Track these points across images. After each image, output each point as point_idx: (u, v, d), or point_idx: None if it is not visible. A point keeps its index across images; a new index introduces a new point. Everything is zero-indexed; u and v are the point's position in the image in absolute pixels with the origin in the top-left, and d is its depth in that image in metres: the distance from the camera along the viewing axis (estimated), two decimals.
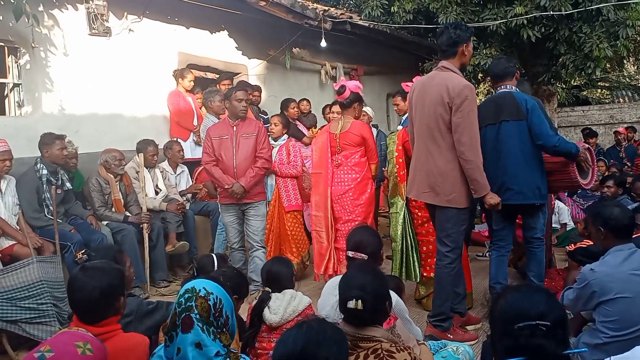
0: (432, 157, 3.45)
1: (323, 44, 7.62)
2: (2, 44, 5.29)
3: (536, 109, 3.71)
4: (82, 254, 3.99)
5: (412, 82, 4.31)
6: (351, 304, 2.03)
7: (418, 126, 3.55)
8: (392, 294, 2.37)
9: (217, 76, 7.39)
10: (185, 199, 6.06)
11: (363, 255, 2.95)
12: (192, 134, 6.53)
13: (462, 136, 3.31)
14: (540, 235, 3.87)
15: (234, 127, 4.74)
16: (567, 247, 5.04)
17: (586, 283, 2.77)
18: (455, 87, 3.33)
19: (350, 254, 3.01)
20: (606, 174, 7.62)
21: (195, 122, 6.56)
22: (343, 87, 4.61)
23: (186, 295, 1.86)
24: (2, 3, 4.88)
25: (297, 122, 7.20)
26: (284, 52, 7.94)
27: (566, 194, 7.86)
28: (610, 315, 2.69)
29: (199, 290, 1.88)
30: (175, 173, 6.13)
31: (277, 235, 5.34)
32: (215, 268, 3.48)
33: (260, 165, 4.73)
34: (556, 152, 3.70)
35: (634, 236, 2.97)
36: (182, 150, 6.12)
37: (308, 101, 7.91)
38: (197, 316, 1.82)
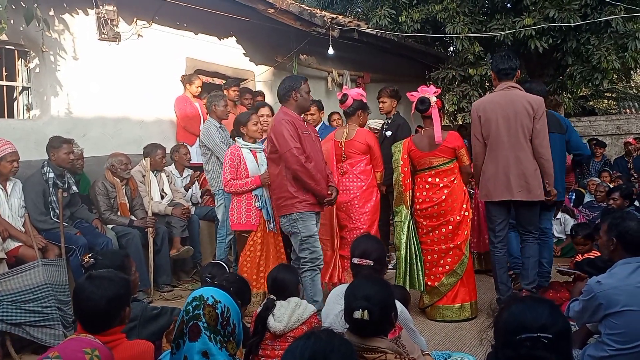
0: (521, 161, 4.08)
1: (330, 51, 7.64)
2: (13, 47, 5.33)
3: (571, 126, 4.86)
4: (89, 257, 4.00)
5: (418, 91, 4.34)
6: (357, 314, 2.03)
7: (502, 136, 4.10)
8: (397, 303, 2.37)
9: (225, 82, 7.41)
10: (191, 202, 6.08)
11: (369, 261, 2.95)
12: (198, 138, 6.55)
13: (543, 140, 4.07)
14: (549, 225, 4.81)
15: (305, 123, 4.21)
16: (573, 258, 5.03)
17: (592, 295, 2.75)
18: (535, 100, 4.09)
19: (355, 260, 3.00)
20: (612, 185, 7.59)
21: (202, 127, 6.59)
22: (345, 95, 4.62)
23: (194, 304, 1.86)
24: (14, 7, 4.92)
25: None
26: (291, 59, 7.97)
27: (572, 204, 7.84)
28: (617, 328, 2.67)
29: (207, 299, 1.88)
30: (181, 176, 6.16)
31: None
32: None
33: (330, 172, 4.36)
34: (584, 159, 4.82)
35: None
36: (189, 153, 6.14)
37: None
38: (205, 325, 1.82)
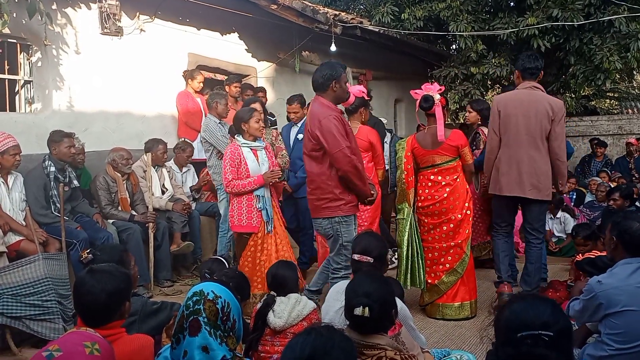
0: (535, 161, 4.19)
1: (333, 48, 7.63)
2: (15, 41, 5.32)
3: None
4: (88, 253, 4.00)
5: (421, 89, 4.33)
6: (358, 310, 2.03)
7: (521, 135, 4.21)
8: (397, 300, 2.37)
9: (226, 78, 7.41)
10: (190, 198, 6.08)
11: (369, 258, 2.95)
12: (199, 134, 6.55)
13: (561, 143, 4.20)
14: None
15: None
16: (574, 257, 5.03)
17: (593, 295, 2.75)
18: (556, 103, 4.23)
19: (356, 257, 3.00)
20: (612, 185, 7.58)
21: None
22: (347, 93, 4.61)
23: (194, 298, 1.86)
24: (16, 0, 4.91)
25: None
26: (293, 55, 7.96)
27: (572, 204, 7.84)
28: (616, 327, 2.67)
29: (208, 294, 1.88)
30: (181, 171, 6.17)
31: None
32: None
33: None
34: (568, 156, 4.68)
35: None
36: (192, 155, 6.17)
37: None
38: (205, 319, 1.82)
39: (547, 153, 4.22)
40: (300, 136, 5.72)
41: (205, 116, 6.64)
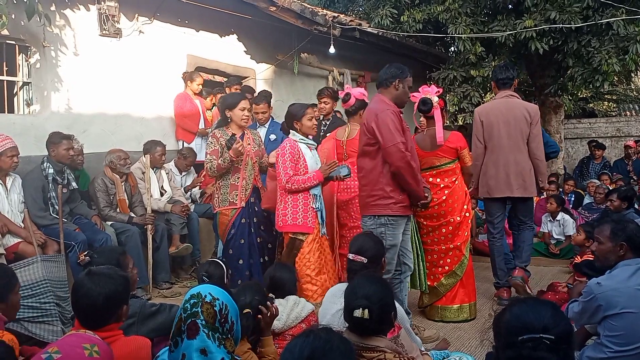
0: (519, 162, 4.52)
1: (332, 50, 7.63)
2: (13, 42, 5.32)
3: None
4: (85, 255, 3.98)
5: (419, 91, 4.34)
6: (358, 312, 2.02)
7: (504, 139, 4.53)
8: (395, 302, 2.36)
9: (226, 79, 7.41)
10: (190, 199, 6.07)
11: (363, 258, 2.95)
12: (196, 137, 6.55)
13: (539, 144, 4.53)
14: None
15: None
16: (572, 259, 5.04)
17: (592, 297, 2.75)
18: (532, 108, 4.60)
19: (350, 256, 3.01)
20: (612, 187, 7.59)
21: (201, 125, 6.59)
22: (348, 94, 4.61)
23: (192, 301, 1.85)
24: (15, 2, 4.91)
25: None
26: (292, 57, 7.96)
27: (571, 205, 7.84)
28: (616, 329, 2.67)
29: (205, 296, 1.87)
30: (181, 174, 6.16)
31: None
32: (225, 274, 3.38)
33: None
34: (554, 155, 5.33)
35: None
36: (194, 162, 6.20)
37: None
38: (203, 322, 1.81)
39: (527, 154, 4.56)
40: (273, 137, 5.67)
41: (204, 118, 6.66)
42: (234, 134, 4.35)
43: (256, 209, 4.55)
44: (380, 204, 3.55)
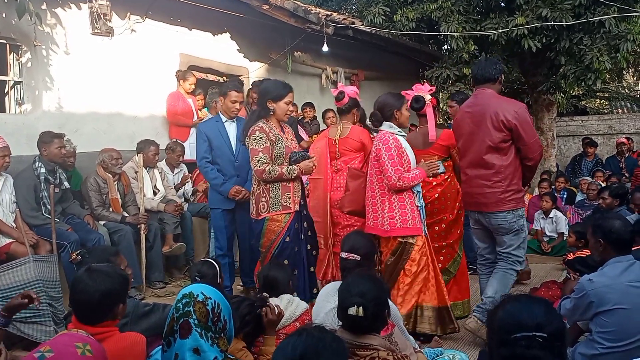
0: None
1: (325, 48, 7.63)
2: (4, 41, 5.28)
3: None
4: (77, 254, 3.97)
5: (412, 89, 4.34)
6: (352, 310, 2.03)
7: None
8: (388, 301, 2.37)
9: (219, 78, 7.39)
10: (182, 198, 6.06)
11: (356, 256, 2.96)
12: (189, 135, 6.53)
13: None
14: None
15: None
16: (564, 256, 5.06)
17: (584, 293, 2.77)
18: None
19: (343, 254, 3.02)
20: (605, 184, 7.63)
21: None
22: (342, 93, 4.61)
23: (184, 301, 1.86)
24: (6, 0, 4.88)
25: (299, 127, 7.19)
26: (285, 55, 7.95)
27: (563, 203, 7.88)
28: (608, 326, 2.69)
29: (197, 295, 1.87)
30: (173, 173, 6.14)
31: None
32: (218, 273, 3.35)
33: None
34: None
35: (633, 248, 2.97)
36: (183, 155, 6.14)
37: (312, 107, 7.86)
38: (196, 321, 1.82)
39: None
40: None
41: (197, 116, 6.63)
42: (306, 150, 3.95)
43: (304, 213, 4.06)
44: (517, 197, 3.69)
